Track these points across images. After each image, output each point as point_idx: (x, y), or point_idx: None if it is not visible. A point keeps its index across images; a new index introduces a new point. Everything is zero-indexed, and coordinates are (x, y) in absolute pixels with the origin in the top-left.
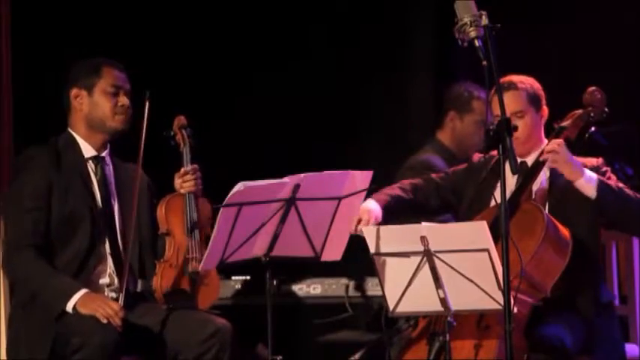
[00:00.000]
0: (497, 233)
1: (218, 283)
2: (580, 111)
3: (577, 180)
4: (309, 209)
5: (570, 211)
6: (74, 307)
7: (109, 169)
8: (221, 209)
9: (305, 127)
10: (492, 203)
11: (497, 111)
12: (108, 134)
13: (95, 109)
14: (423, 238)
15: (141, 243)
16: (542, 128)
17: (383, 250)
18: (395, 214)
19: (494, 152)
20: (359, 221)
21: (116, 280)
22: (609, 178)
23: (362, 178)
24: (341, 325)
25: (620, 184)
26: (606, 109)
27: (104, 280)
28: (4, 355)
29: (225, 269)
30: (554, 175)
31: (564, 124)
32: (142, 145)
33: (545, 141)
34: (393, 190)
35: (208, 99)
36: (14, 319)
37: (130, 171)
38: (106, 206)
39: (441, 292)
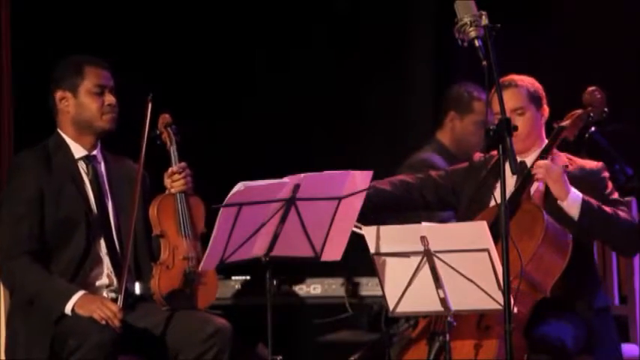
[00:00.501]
0: (498, 233)
1: (216, 283)
2: (580, 111)
3: (562, 200)
4: (309, 209)
5: (565, 214)
6: (73, 310)
7: (101, 167)
8: (221, 209)
9: (305, 127)
10: (492, 203)
11: (497, 108)
12: (97, 134)
13: (82, 110)
14: (423, 238)
15: (136, 243)
16: (543, 128)
17: (383, 250)
18: (377, 207)
19: (494, 152)
20: None
21: (115, 281)
22: (606, 187)
23: (362, 178)
24: (341, 325)
25: (615, 194)
26: (606, 109)
27: (101, 282)
28: (2, 356)
29: (225, 269)
30: None
31: (564, 124)
32: (144, 148)
33: (546, 141)
34: (382, 183)
35: (207, 99)
36: (13, 320)
37: (125, 166)
38: (100, 207)
39: (441, 292)
